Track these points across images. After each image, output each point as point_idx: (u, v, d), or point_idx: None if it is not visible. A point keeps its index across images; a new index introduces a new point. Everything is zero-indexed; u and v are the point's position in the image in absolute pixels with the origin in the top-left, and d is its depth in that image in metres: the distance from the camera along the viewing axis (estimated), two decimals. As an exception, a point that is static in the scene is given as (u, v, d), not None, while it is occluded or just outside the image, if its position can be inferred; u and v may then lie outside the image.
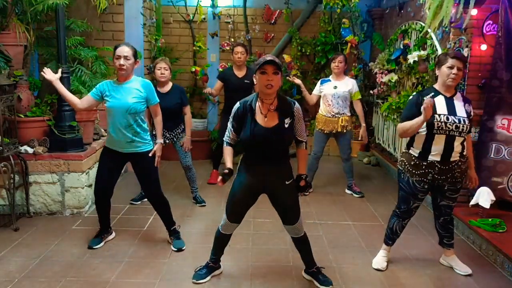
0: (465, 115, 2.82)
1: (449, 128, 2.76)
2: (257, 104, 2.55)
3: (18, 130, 3.74)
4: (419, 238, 3.65)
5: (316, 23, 6.58)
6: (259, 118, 2.53)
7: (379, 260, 3.14)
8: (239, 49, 4.73)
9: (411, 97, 2.99)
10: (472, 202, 3.59)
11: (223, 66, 6.41)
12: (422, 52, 4.66)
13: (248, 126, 2.53)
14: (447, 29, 4.20)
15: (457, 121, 2.77)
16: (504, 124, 3.68)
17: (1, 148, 3.48)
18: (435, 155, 2.82)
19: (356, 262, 3.20)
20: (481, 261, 3.26)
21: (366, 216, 4.15)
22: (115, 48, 3.09)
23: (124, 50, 3.04)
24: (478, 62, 3.77)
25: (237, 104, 2.61)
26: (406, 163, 2.93)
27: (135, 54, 3.13)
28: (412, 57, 4.73)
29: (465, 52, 3.79)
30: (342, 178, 5.06)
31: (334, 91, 4.54)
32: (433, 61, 4.55)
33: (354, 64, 6.36)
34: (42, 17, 4.09)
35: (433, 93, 2.85)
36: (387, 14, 6.33)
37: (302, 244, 2.84)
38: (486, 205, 3.48)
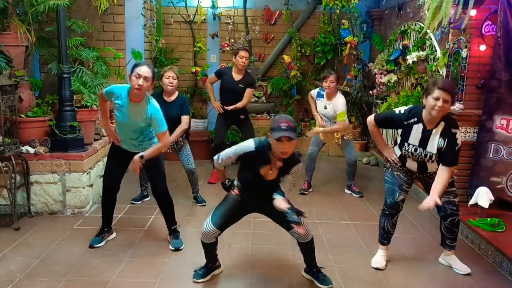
0: (434, 151, 2.78)
1: (416, 157, 2.86)
2: (267, 157, 2.53)
3: (19, 130, 3.75)
4: (418, 238, 3.66)
5: (316, 24, 6.61)
6: (263, 169, 2.55)
7: (378, 259, 3.15)
8: (245, 53, 4.66)
9: (401, 111, 2.89)
10: (471, 202, 3.61)
11: (223, 66, 6.43)
12: (421, 53, 4.68)
13: (250, 171, 2.59)
14: (446, 30, 4.22)
15: (423, 154, 2.83)
16: (503, 124, 3.69)
17: (3, 148, 3.49)
18: (412, 167, 2.96)
19: (355, 262, 3.21)
20: (480, 260, 3.27)
21: (365, 215, 4.17)
22: (136, 65, 2.97)
23: (145, 71, 2.91)
24: (477, 62, 3.78)
25: (252, 146, 2.55)
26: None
27: (154, 77, 3.02)
28: (411, 57, 4.75)
29: (464, 52, 3.80)
30: (342, 178, 5.07)
31: (324, 112, 4.54)
32: (432, 61, 4.57)
33: (353, 65, 6.39)
34: (43, 17, 4.10)
35: (415, 119, 2.81)
36: (386, 14, 6.35)
37: (308, 248, 2.83)
38: (485, 204, 3.50)
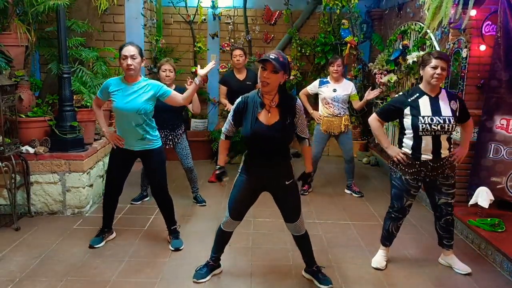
0: (450, 114, 2.85)
1: (434, 129, 2.82)
2: (258, 100, 2.56)
3: (19, 130, 3.75)
4: (418, 238, 3.66)
5: (316, 24, 6.61)
6: (261, 114, 2.55)
7: (379, 259, 3.15)
8: (237, 52, 4.79)
9: (397, 96, 3.03)
10: (471, 202, 3.61)
11: (223, 66, 6.44)
12: (421, 53, 4.67)
13: (248, 122, 2.55)
14: (446, 30, 4.22)
15: (441, 121, 2.82)
16: (503, 124, 3.69)
17: (3, 148, 3.49)
18: (426, 154, 2.88)
19: (355, 262, 3.22)
20: (480, 260, 3.28)
21: (365, 215, 4.17)
22: (120, 48, 3.06)
23: (130, 50, 3.01)
24: (477, 62, 3.78)
25: (239, 99, 2.64)
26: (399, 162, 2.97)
27: (141, 53, 3.11)
28: (411, 57, 4.75)
29: (464, 52, 3.80)
30: (342, 178, 5.07)
31: (334, 95, 4.57)
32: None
33: (353, 65, 6.39)
34: (43, 17, 4.10)
35: (417, 94, 2.89)
36: (387, 14, 6.35)
37: (302, 242, 2.86)
38: (485, 204, 3.49)
